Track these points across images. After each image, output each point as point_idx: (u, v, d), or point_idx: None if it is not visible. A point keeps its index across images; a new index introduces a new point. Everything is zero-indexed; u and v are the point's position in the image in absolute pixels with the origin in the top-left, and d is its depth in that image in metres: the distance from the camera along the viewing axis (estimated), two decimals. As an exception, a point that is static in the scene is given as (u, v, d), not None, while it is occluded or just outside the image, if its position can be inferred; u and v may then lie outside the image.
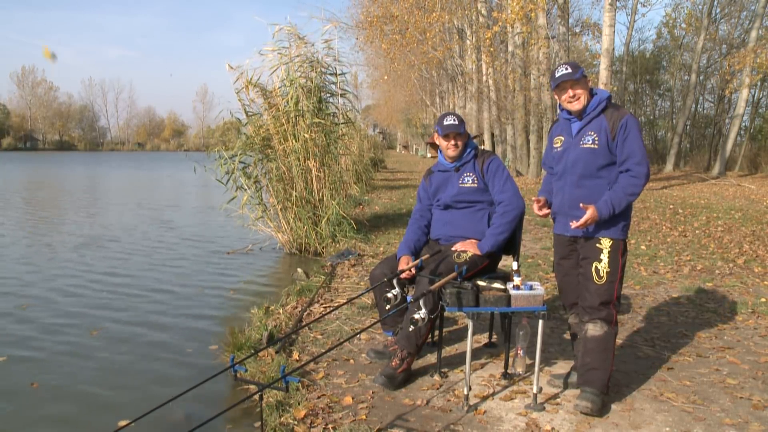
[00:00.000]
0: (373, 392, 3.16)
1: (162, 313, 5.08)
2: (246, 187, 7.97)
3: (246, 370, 3.30)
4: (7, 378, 3.68)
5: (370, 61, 38.44)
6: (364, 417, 2.87)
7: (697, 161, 27.86)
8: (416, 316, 2.86)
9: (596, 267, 2.93)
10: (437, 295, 3.05)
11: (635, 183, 2.88)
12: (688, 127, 28.55)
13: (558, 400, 3.09)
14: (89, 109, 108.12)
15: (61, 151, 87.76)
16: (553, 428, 2.77)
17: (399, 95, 43.98)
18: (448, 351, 3.79)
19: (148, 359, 4.01)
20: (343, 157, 10.93)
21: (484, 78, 23.46)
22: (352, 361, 3.65)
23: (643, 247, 7.58)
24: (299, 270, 6.30)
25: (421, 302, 2.96)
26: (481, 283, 3.11)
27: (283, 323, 4.36)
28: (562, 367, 3.51)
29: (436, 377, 3.36)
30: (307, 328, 4.22)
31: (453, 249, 3.45)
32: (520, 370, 3.34)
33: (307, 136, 7.66)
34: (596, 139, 2.92)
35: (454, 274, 3.05)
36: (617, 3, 17.75)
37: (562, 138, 3.08)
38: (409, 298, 3.27)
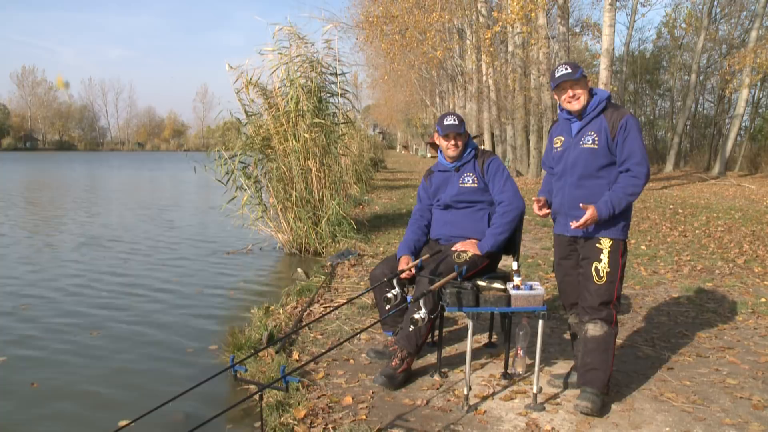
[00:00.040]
0: (373, 392, 3.16)
1: (162, 312, 5.08)
2: (246, 187, 7.97)
3: (246, 370, 3.30)
4: (7, 378, 3.68)
5: (370, 61, 38.48)
6: (364, 417, 2.87)
7: (697, 161, 27.86)
8: (416, 316, 2.86)
9: (596, 267, 2.93)
10: (437, 295, 3.05)
11: (635, 183, 2.88)
12: (688, 127, 28.56)
13: (558, 400, 3.09)
14: (89, 109, 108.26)
15: (61, 151, 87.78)
16: (553, 428, 2.77)
17: (399, 95, 43.99)
18: (448, 351, 3.79)
19: (148, 359, 4.01)
20: (343, 157, 10.93)
21: (484, 78, 23.46)
22: (352, 361, 3.65)
23: (643, 247, 7.58)
24: (299, 270, 6.31)
25: (421, 302, 2.96)
26: (481, 283, 3.11)
27: (283, 323, 4.36)
28: (562, 367, 3.51)
29: (436, 377, 3.36)
30: (307, 328, 4.22)
31: (453, 249, 3.45)
32: (520, 370, 3.34)
33: (307, 136, 7.66)
34: (596, 139, 2.91)
35: (454, 274, 3.05)
36: (617, 3, 17.75)
37: (562, 138, 3.08)
38: (409, 298, 3.28)
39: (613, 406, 3.00)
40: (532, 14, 17.80)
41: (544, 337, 3.64)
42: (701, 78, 26.92)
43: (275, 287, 5.90)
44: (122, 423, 2.58)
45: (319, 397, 3.09)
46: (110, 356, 4.04)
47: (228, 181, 7.92)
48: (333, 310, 4.50)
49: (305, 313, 4.64)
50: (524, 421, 2.85)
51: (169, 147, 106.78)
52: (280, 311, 4.59)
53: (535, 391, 2.98)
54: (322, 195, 7.94)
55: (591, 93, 2.97)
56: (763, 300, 5.01)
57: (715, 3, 24.67)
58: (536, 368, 2.98)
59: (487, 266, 3.45)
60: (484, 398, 3.10)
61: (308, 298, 5.02)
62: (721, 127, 27.60)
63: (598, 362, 2.92)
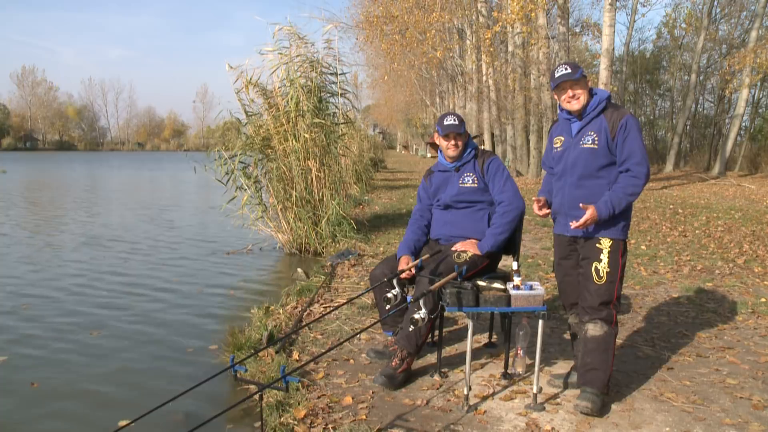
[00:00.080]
0: (373, 392, 3.16)
1: (162, 312, 5.08)
2: (246, 187, 7.97)
3: (246, 370, 3.30)
4: (7, 377, 3.68)
5: (370, 61, 38.50)
6: (364, 417, 2.87)
7: (697, 161, 27.86)
8: (416, 316, 2.86)
9: (596, 267, 2.93)
10: (437, 295, 3.05)
11: (635, 183, 2.88)
12: (688, 127, 28.56)
13: (558, 400, 3.09)
14: (89, 109, 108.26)
15: (61, 151, 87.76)
16: (553, 428, 2.77)
17: (399, 95, 43.99)
18: (448, 351, 3.79)
19: (148, 359, 4.01)
20: (343, 157, 10.93)
21: (484, 78, 23.46)
22: (352, 361, 3.65)
23: (643, 247, 7.58)
24: (299, 270, 6.31)
25: (421, 302, 2.96)
26: (481, 283, 3.11)
27: (283, 323, 4.36)
28: (562, 367, 3.51)
29: (436, 377, 3.36)
30: (307, 328, 4.22)
31: (453, 249, 3.45)
32: (520, 370, 3.34)
33: (307, 136, 7.66)
34: (596, 139, 2.92)
35: (454, 274, 3.05)
36: (617, 3, 17.75)
37: (562, 138, 3.08)
38: (409, 298, 3.28)
39: (613, 406, 3.00)
40: (532, 14, 17.80)
41: (544, 337, 3.65)
42: (701, 78, 26.92)
43: (275, 287, 5.90)
44: (122, 423, 2.58)
45: (319, 397, 3.09)
46: (110, 356, 4.04)
47: (228, 181, 7.93)
48: (333, 310, 4.50)
49: (305, 313, 4.64)
50: (524, 421, 2.85)
51: (169, 147, 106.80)
52: (280, 311, 4.59)
53: (535, 391, 2.98)
54: (322, 195, 7.94)
55: (591, 93, 2.97)
56: (763, 300, 5.01)
57: (715, 3, 24.69)
58: (536, 368, 2.98)
59: (487, 266, 3.45)
60: (484, 398, 3.10)
61: (308, 298, 5.02)
62: (721, 127, 27.60)
63: (598, 362, 2.92)
